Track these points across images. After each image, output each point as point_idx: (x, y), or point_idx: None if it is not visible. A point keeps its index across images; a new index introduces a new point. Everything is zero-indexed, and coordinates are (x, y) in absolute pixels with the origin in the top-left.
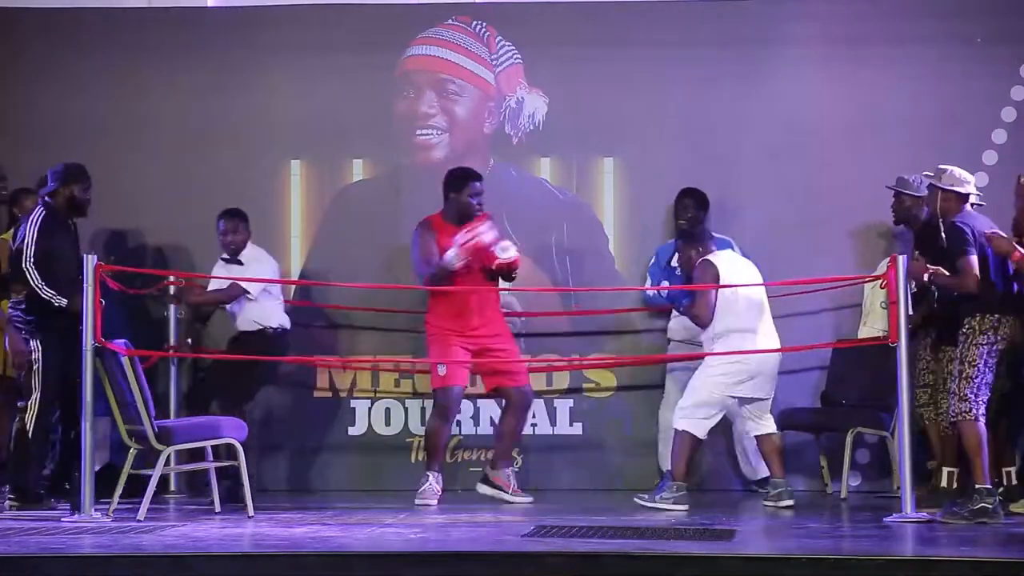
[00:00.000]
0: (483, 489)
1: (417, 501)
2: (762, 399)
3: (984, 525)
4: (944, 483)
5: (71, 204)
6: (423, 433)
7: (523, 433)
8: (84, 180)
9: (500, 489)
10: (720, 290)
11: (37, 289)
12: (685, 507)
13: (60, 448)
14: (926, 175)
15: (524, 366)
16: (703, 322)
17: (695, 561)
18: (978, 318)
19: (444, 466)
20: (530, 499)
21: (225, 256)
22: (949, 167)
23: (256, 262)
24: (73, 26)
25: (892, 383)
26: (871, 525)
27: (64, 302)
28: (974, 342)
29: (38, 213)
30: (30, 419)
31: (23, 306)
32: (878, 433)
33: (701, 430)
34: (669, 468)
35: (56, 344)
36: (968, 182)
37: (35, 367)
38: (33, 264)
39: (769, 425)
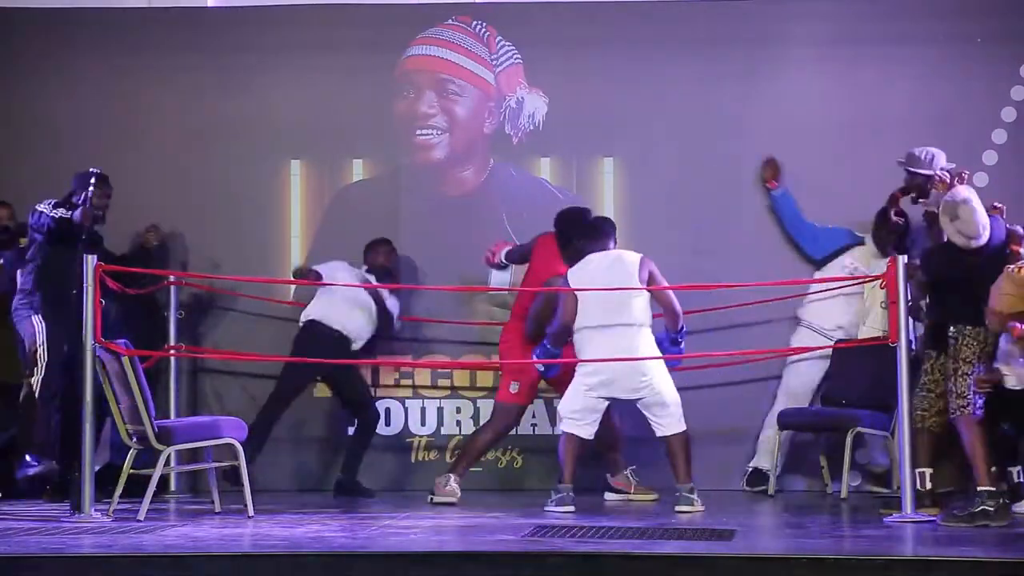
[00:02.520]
0: (609, 496)
1: (437, 499)
2: (637, 399)
3: (985, 527)
4: (918, 484)
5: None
6: (467, 437)
7: (614, 429)
8: (104, 187)
9: (622, 492)
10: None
11: (50, 214)
12: (571, 508)
13: (59, 448)
14: (945, 201)
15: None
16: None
17: (695, 561)
18: (968, 329)
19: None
20: (655, 496)
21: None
22: (965, 216)
23: (387, 293)
24: (73, 26)
25: (892, 383)
26: (871, 525)
27: (69, 214)
28: (965, 343)
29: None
30: (37, 382)
31: (28, 287)
32: (878, 433)
33: (585, 432)
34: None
35: (58, 319)
36: (977, 236)
37: (39, 343)
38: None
39: (670, 427)
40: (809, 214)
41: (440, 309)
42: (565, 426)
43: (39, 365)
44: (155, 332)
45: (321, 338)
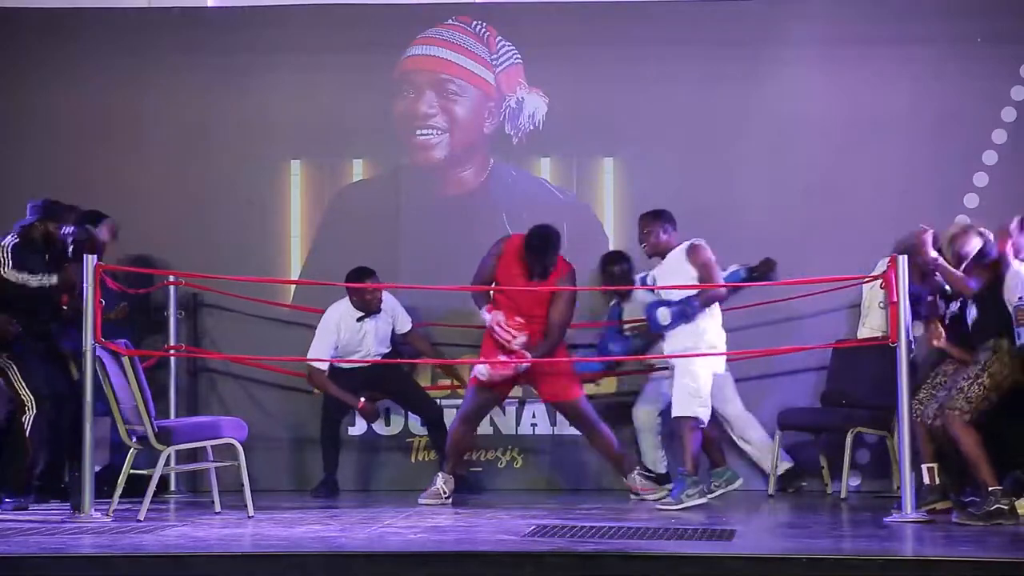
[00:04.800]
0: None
1: (420, 500)
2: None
3: (999, 526)
4: (927, 480)
5: (46, 239)
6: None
7: (601, 434)
8: (60, 218)
9: (633, 494)
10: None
11: (22, 281)
12: (708, 499)
13: (48, 450)
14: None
15: (573, 377)
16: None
17: (695, 561)
18: (1005, 345)
19: (457, 470)
20: (664, 492)
21: (362, 315)
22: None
23: (390, 309)
24: (73, 26)
25: (892, 383)
26: (871, 525)
27: (54, 278)
28: (1002, 359)
29: (10, 240)
30: (28, 419)
31: None
32: (878, 433)
33: (706, 416)
34: (681, 466)
35: (31, 353)
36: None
37: (15, 379)
38: (12, 267)
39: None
40: (809, 214)
41: (440, 309)
42: (703, 414)
43: (28, 404)
44: (155, 332)
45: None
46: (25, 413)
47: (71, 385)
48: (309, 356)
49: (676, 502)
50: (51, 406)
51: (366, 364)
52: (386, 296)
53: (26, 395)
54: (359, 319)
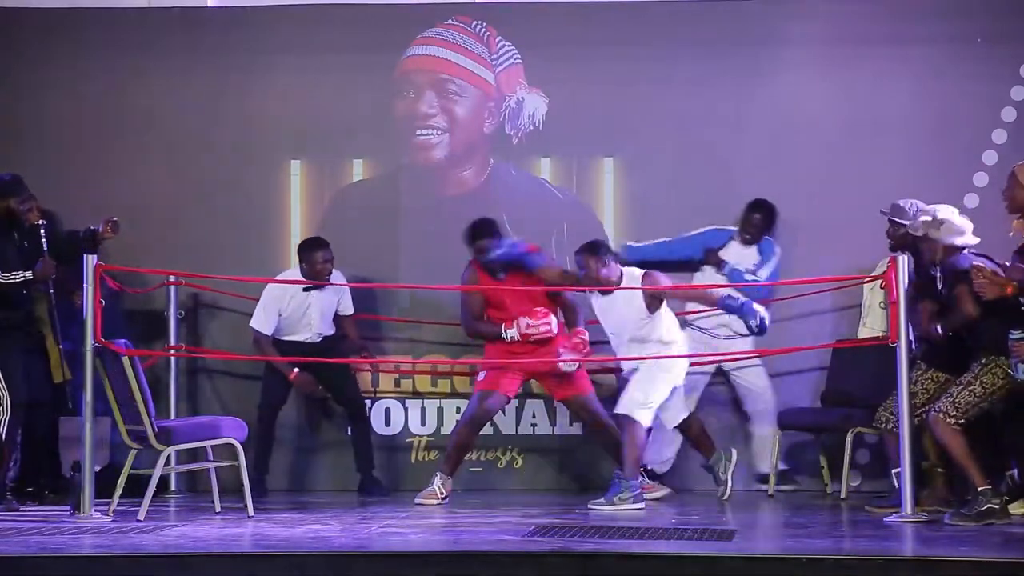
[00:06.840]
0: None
1: (416, 500)
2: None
3: (991, 526)
4: (897, 484)
5: (10, 217)
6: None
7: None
8: (21, 192)
9: None
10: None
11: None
12: (643, 505)
13: (24, 449)
14: (923, 221)
15: (582, 375)
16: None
17: (695, 561)
18: (1001, 360)
19: (457, 470)
20: (667, 491)
21: (313, 286)
22: (947, 217)
23: (338, 288)
24: (73, 26)
25: (892, 383)
26: (871, 525)
27: (29, 274)
28: (993, 371)
29: None
30: (2, 422)
31: None
32: (878, 433)
33: (647, 421)
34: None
35: (13, 347)
36: (965, 232)
37: None
38: None
39: (683, 411)
40: (808, 214)
41: (440, 309)
42: (645, 418)
43: (3, 406)
44: (155, 332)
45: None
46: None
47: (50, 391)
48: (253, 322)
49: (608, 503)
50: (26, 412)
51: (313, 341)
52: (337, 274)
53: (2, 391)
54: (306, 289)
